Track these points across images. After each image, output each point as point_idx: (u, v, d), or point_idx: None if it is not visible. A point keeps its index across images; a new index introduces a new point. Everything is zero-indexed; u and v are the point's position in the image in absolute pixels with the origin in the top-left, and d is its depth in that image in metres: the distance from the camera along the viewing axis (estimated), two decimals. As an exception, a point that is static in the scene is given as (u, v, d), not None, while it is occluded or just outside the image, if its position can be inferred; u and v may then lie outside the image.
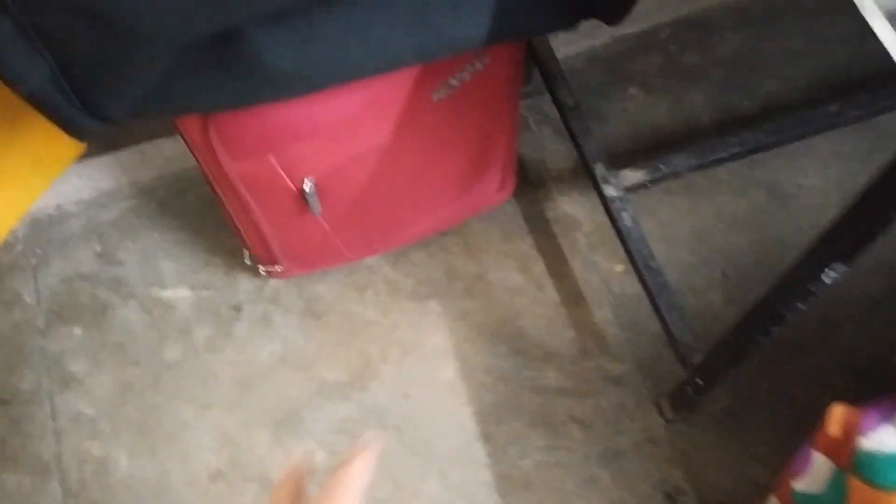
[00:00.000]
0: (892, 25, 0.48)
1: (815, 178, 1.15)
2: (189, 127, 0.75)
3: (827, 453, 0.68)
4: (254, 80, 0.63)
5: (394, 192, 0.92)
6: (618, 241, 1.00)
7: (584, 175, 1.05)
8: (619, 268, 1.12)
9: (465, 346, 1.08)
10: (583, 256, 1.13)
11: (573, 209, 1.16)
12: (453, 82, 0.80)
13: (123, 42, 0.54)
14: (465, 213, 1.08)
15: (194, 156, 0.83)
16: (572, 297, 1.11)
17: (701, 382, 0.91)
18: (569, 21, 0.71)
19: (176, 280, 1.14)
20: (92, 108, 0.62)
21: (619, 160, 1.17)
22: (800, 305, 0.67)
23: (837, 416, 0.67)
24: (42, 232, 1.16)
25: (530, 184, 1.18)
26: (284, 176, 0.81)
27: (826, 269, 0.61)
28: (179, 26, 0.54)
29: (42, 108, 0.60)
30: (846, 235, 0.58)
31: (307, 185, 0.82)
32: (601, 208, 1.02)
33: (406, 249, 1.13)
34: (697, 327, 1.07)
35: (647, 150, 1.19)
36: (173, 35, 0.55)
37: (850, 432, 0.65)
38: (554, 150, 1.20)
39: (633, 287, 1.05)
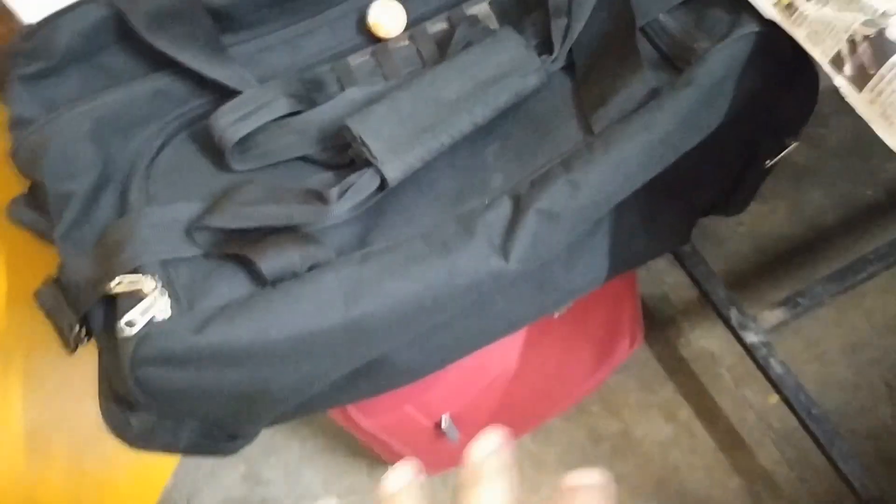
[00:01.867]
0: None
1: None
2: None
3: None
4: (384, 379, 0.62)
5: (529, 396, 0.89)
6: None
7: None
8: (774, 399, 1.05)
9: (628, 515, 1.03)
10: (731, 393, 1.07)
11: (709, 343, 1.10)
12: (573, 296, 0.77)
13: (270, 403, 0.54)
14: (602, 379, 1.03)
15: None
16: (729, 440, 1.05)
17: (903, 541, 0.83)
18: (688, 236, 0.68)
19: (322, 490, 1.13)
20: (236, 439, 0.62)
21: (748, 284, 1.11)
22: None
23: None
24: (188, 461, 1.19)
25: (658, 324, 1.12)
26: (422, 418, 0.79)
27: None
28: (323, 381, 0.54)
29: (191, 455, 0.60)
30: None
31: (445, 422, 0.80)
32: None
33: (544, 418, 1.10)
34: (870, 451, 0.99)
35: (775, 263, 1.12)
36: (317, 387, 0.54)
37: None
38: (674, 283, 1.14)
39: (793, 417, 0.97)
